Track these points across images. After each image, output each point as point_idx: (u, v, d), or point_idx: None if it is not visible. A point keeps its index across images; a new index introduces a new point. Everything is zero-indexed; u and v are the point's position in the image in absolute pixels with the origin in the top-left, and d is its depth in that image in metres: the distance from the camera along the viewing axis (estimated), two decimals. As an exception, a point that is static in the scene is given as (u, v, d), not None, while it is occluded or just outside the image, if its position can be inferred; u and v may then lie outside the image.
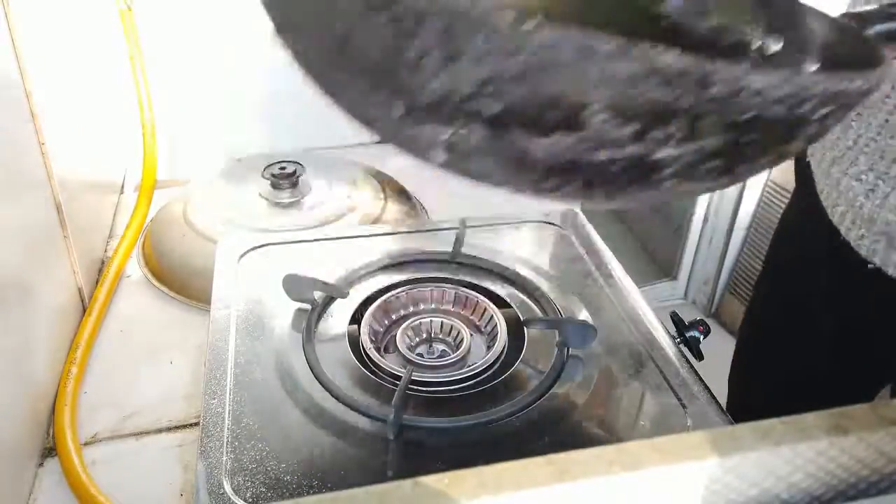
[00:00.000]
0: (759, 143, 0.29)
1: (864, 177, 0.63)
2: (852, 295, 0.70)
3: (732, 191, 1.70)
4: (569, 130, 0.26)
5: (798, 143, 0.32)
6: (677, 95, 0.25)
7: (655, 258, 2.01)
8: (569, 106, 0.25)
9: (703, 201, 1.75)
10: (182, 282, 0.86)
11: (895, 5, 0.42)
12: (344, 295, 0.70)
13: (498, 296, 0.72)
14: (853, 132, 0.63)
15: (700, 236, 1.81)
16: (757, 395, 0.88)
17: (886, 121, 0.59)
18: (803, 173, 0.75)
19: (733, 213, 1.73)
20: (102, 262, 0.91)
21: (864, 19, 0.41)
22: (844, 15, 0.43)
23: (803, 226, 0.76)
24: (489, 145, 0.28)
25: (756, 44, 0.41)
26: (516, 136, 0.27)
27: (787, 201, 0.84)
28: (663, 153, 0.27)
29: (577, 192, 0.30)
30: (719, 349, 0.90)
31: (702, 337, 0.69)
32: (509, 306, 0.70)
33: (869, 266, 0.64)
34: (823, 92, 0.28)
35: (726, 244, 1.78)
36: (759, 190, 1.67)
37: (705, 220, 1.78)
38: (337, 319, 0.68)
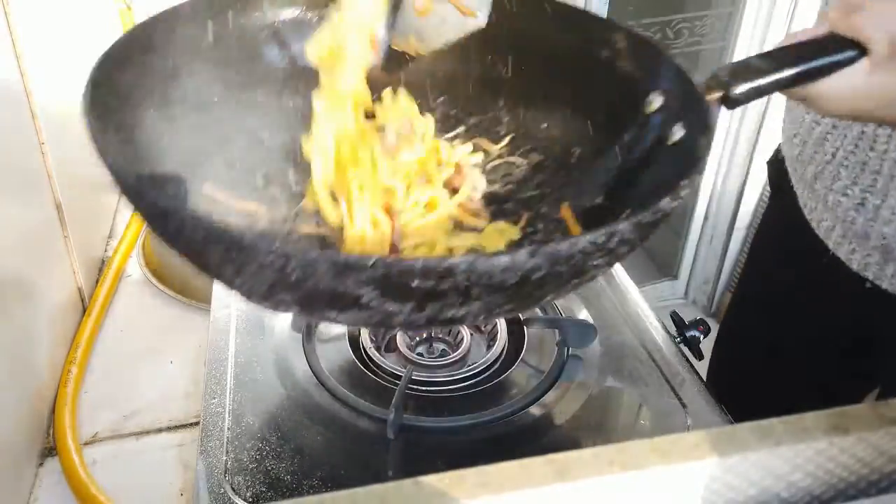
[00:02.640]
0: (531, 294, 0.36)
1: (849, 191, 0.61)
2: (834, 302, 0.70)
3: (732, 190, 1.70)
4: (359, 309, 0.33)
5: (580, 282, 0.38)
6: (427, 285, 0.31)
7: (655, 258, 2.00)
8: (349, 297, 0.32)
9: (703, 201, 1.75)
10: (182, 282, 0.86)
11: (764, 57, 0.45)
12: (344, 295, 0.70)
13: (498, 295, 0.72)
14: (829, 146, 0.62)
15: (700, 236, 1.81)
16: (737, 388, 0.87)
17: (863, 132, 0.58)
18: (778, 180, 0.73)
19: (733, 212, 1.73)
20: (102, 262, 0.91)
21: (733, 76, 0.44)
22: (717, 70, 0.45)
23: (782, 232, 0.75)
24: (308, 316, 0.39)
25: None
26: (322, 311, 0.36)
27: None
28: (450, 313, 0.34)
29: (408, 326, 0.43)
30: (719, 349, 0.89)
31: (702, 337, 0.69)
32: (509, 306, 0.70)
33: (866, 285, 0.63)
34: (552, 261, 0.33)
35: (726, 244, 1.77)
36: (759, 189, 1.67)
37: (705, 219, 1.77)
38: (337, 319, 0.68)
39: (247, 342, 0.65)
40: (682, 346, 0.68)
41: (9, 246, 0.63)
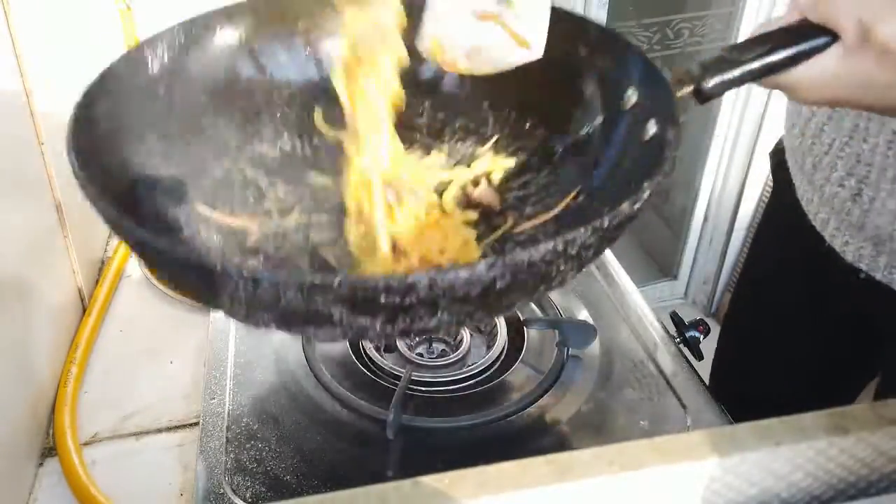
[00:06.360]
0: (499, 302, 0.36)
1: (846, 183, 0.61)
2: (832, 294, 0.70)
3: (732, 190, 1.70)
4: (333, 325, 0.34)
5: (548, 286, 0.38)
6: (393, 301, 0.32)
7: (655, 258, 2.00)
8: (319, 314, 0.33)
9: (702, 201, 1.75)
10: (182, 282, 0.86)
11: (735, 48, 0.44)
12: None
13: (498, 296, 0.72)
14: (826, 137, 0.62)
15: (700, 236, 1.81)
16: (740, 382, 0.87)
17: (856, 125, 0.58)
18: (780, 174, 0.74)
19: (733, 212, 1.73)
20: (102, 262, 0.91)
21: (705, 69, 0.44)
22: (690, 65, 0.45)
23: (783, 224, 0.76)
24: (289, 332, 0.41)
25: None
26: (301, 328, 0.38)
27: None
28: (421, 324, 0.34)
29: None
30: (719, 349, 0.89)
31: (702, 337, 0.69)
32: (509, 306, 0.70)
33: (860, 276, 0.63)
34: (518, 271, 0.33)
35: (726, 244, 1.77)
36: (759, 190, 1.67)
37: (705, 220, 1.77)
38: (337, 319, 0.68)
39: (247, 342, 0.65)
40: (682, 346, 0.68)
41: (9, 246, 0.63)
